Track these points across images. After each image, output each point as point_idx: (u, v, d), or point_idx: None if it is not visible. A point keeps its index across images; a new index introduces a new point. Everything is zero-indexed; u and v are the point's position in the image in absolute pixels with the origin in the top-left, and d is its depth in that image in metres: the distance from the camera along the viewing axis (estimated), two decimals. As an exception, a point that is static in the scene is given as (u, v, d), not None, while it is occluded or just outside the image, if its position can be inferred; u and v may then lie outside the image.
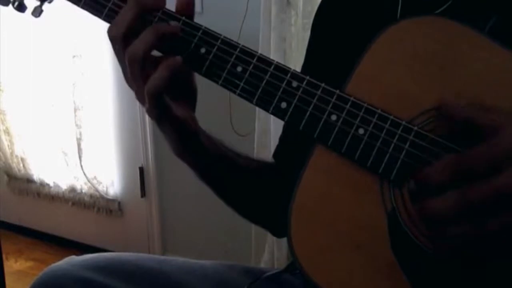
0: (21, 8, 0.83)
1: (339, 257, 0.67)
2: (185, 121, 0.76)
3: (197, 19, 0.75)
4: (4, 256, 2.01)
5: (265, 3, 1.83)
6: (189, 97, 0.79)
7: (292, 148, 0.76)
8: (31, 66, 2.51)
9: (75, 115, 2.47)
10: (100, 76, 2.39)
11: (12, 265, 2.48)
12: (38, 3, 0.83)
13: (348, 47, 0.76)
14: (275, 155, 0.97)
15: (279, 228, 0.93)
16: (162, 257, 0.96)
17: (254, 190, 0.91)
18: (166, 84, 0.70)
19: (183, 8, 0.74)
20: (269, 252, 1.98)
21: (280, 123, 0.74)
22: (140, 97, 0.73)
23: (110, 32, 0.72)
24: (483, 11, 0.71)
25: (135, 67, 0.71)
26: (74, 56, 2.41)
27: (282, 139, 0.97)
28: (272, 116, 0.71)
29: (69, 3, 0.78)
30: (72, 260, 0.89)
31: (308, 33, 0.98)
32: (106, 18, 0.76)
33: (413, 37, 0.68)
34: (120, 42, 0.71)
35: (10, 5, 0.83)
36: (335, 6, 0.91)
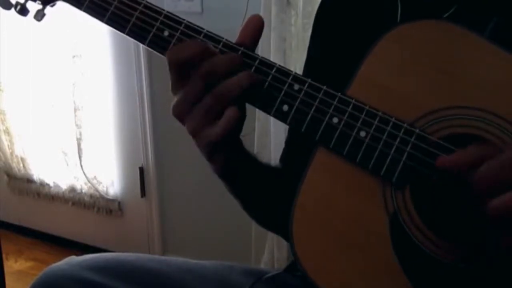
0: (23, 12, 0.83)
1: (340, 258, 0.67)
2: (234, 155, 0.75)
3: (197, 20, 0.74)
4: (4, 256, 2.01)
5: (265, 3, 1.83)
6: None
7: (298, 151, 0.76)
8: (31, 66, 2.50)
9: (75, 115, 2.47)
10: (100, 76, 2.38)
11: (12, 265, 2.48)
12: (41, 6, 0.82)
13: (348, 49, 0.76)
14: (281, 158, 0.97)
15: None
16: (162, 257, 0.96)
17: (274, 199, 0.90)
18: (225, 138, 0.69)
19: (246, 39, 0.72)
20: (269, 253, 1.98)
21: (280, 123, 0.73)
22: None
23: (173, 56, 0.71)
24: (484, 14, 0.71)
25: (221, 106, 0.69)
26: (74, 56, 2.40)
27: (287, 142, 0.97)
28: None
29: (71, 6, 0.78)
30: (72, 260, 0.89)
31: (308, 33, 0.98)
32: (108, 22, 0.75)
33: (414, 41, 0.68)
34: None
35: (13, 9, 0.83)
36: (336, 8, 0.91)
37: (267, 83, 0.70)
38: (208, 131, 0.69)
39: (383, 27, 0.70)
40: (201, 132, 0.70)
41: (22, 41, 2.46)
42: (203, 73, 0.69)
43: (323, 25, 0.93)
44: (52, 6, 0.83)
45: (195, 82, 0.69)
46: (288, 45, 1.84)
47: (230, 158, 0.75)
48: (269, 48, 1.82)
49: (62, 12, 0.84)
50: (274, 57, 1.78)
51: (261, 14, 1.85)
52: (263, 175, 0.87)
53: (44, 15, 0.82)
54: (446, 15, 0.74)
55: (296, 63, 1.81)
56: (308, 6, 1.80)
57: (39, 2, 0.82)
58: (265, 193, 0.89)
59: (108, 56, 2.33)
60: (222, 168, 0.77)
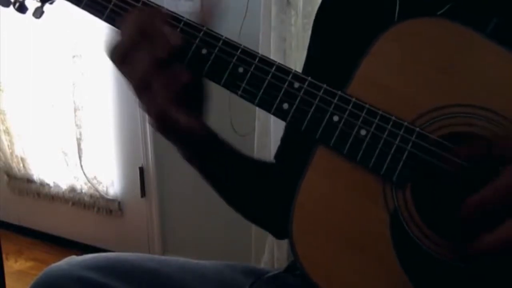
0: (22, 9, 0.83)
1: (340, 257, 0.66)
2: (192, 131, 0.74)
3: (197, 19, 0.74)
4: (4, 256, 2.01)
5: (265, 3, 1.83)
6: (198, 103, 0.77)
7: (294, 148, 0.76)
8: (31, 66, 2.51)
9: (75, 115, 2.47)
10: (100, 76, 2.39)
11: (12, 265, 2.48)
12: (39, 4, 0.82)
13: (348, 49, 0.76)
14: (276, 156, 0.97)
15: (279, 229, 0.93)
16: (162, 257, 0.96)
17: (255, 190, 0.91)
18: (169, 106, 0.69)
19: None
20: (269, 252, 1.98)
21: (280, 123, 0.73)
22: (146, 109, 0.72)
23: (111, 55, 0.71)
24: (484, 13, 0.71)
25: (141, 86, 0.70)
26: (74, 56, 2.41)
27: (283, 139, 0.97)
28: (272, 116, 0.71)
29: (70, 4, 0.77)
30: (72, 260, 0.89)
31: (308, 33, 0.98)
32: (107, 19, 0.75)
33: (413, 39, 0.68)
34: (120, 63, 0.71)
35: (11, 6, 0.83)
36: (335, 8, 0.91)
37: (267, 81, 0.70)
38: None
39: (382, 25, 0.70)
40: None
41: (22, 41, 2.46)
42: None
43: (323, 25, 0.93)
44: (51, 3, 0.83)
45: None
46: (288, 45, 1.84)
47: (188, 142, 0.76)
48: (269, 48, 1.82)
49: (62, 12, 0.84)
50: (274, 57, 1.78)
51: (261, 14, 1.85)
52: (239, 166, 0.88)
53: (42, 12, 0.82)
54: (440, 12, 0.74)
55: (296, 63, 1.81)
56: (308, 6, 1.80)
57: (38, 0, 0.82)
58: (241, 183, 0.90)
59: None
60: (183, 150, 0.78)
